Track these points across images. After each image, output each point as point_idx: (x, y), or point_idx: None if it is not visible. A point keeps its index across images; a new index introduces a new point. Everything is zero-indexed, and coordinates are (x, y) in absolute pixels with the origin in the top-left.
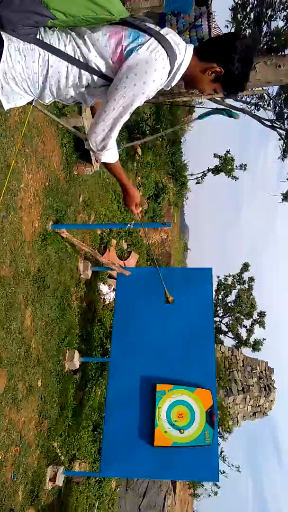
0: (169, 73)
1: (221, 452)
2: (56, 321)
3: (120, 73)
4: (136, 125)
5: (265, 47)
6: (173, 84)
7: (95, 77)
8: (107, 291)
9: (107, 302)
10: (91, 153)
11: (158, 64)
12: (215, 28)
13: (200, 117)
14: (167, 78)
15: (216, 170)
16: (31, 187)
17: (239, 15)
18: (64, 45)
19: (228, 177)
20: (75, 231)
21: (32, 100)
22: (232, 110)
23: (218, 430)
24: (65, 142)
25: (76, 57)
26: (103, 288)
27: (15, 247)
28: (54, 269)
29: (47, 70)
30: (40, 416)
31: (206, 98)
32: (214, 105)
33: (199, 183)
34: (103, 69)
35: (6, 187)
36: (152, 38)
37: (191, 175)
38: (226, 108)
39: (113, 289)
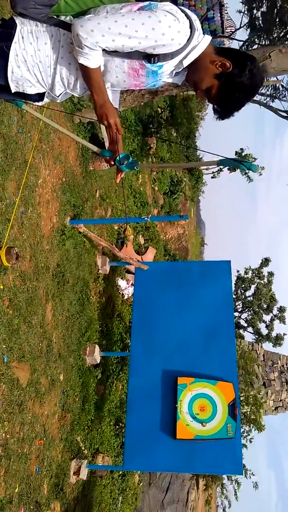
0: (184, 46)
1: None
2: (76, 315)
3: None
4: (151, 119)
5: (281, 34)
6: (185, 62)
7: (107, 55)
8: (125, 286)
9: (126, 297)
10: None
11: (179, 17)
12: (228, 20)
13: (220, 163)
14: (181, 50)
15: (233, 169)
16: (48, 183)
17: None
18: None
19: (244, 175)
20: (92, 226)
21: (43, 96)
22: (252, 163)
23: (250, 427)
24: (81, 137)
25: None
26: (122, 283)
27: (34, 243)
28: (73, 264)
29: (58, 52)
30: (63, 410)
31: None
32: None
33: (214, 177)
34: None
35: (24, 183)
36: (174, 5)
37: (206, 169)
38: (247, 161)
39: (131, 284)
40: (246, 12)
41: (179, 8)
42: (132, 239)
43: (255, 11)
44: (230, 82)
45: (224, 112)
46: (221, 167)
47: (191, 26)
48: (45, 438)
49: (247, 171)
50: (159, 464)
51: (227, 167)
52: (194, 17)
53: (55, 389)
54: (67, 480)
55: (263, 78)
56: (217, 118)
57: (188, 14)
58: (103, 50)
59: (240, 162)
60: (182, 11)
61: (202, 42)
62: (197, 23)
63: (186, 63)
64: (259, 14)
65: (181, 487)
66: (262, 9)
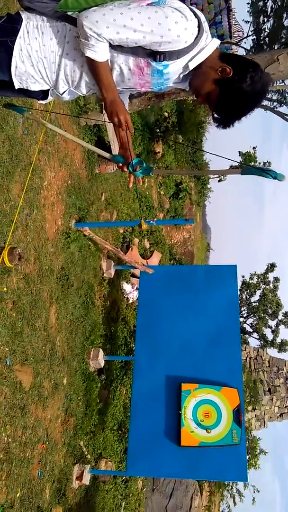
0: (191, 45)
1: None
2: (80, 319)
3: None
4: (158, 123)
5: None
6: (191, 65)
7: (113, 51)
8: (130, 290)
9: (131, 301)
10: (79, 41)
11: (187, 15)
12: (236, 24)
13: (243, 172)
14: (187, 49)
15: (238, 167)
16: (53, 185)
17: (259, 8)
18: None
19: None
20: (97, 230)
21: (47, 93)
22: (277, 172)
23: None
24: (87, 140)
25: None
26: (127, 287)
27: (39, 245)
28: (77, 267)
29: (64, 47)
30: (66, 414)
31: None
32: None
33: (221, 180)
34: None
35: (28, 185)
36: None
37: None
38: (271, 170)
39: (136, 288)
40: (252, 22)
41: (188, 6)
42: (137, 242)
43: (261, 19)
44: (229, 88)
45: (223, 120)
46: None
47: (199, 26)
48: (47, 442)
49: (271, 179)
50: (163, 470)
51: (250, 175)
52: (203, 18)
53: (58, 393)
54: (70, 485)
55: (266, 86)
56: (217, 126)
57: (197, 13)
58: (109, 44)
59: (265, 171)
60: (191, 9)
61: (210, 44)
62: (205, 25)
63: (192, 65)
64: (266, 24)
65: (185, 493)
66: (269, 22)
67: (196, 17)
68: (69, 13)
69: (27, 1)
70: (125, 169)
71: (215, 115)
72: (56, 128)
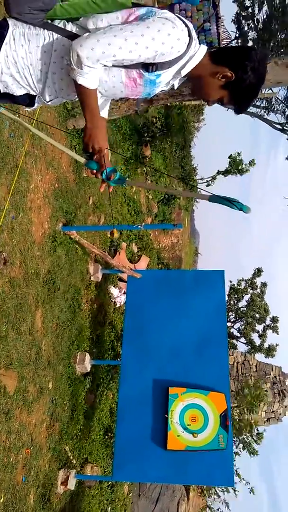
0: (183, 54)
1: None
2: (66, 323)
3: (134, 22)
4: (146, 128)
5: (276, 47)
6: (183, 72)
7: None
8: (117, 294)
9: (118, 305)
10: (70, 69)
11: (178, 24)
12: (224, 32)
13: (211, 200)
14: (179, 58)
15: (225, 172)
16: (40, 188)
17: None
18: (70, 29)
19: (238, 175)
20: (85, 234)
21: (34, 98)
22: (243, 204)
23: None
24: (75, 144)
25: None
26: (114, 291)
27: (25, 248)
28: (64, 271)
29: (51, 55)
30: (51, 418)
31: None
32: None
33: (209, 185)
34: None
35: (15, 188)
36: (175, 16)
37: (201, 179)
38: (238, 201)
39: (124, 292)
40: (237, 33)
41: (177, 16)
42: (125, 246)
43: (247, 28)
44: (238, 88)
45: (242, 108)
46: (215, 175)
47: (190, 34)
48: (32, 447)
49: (237, 210)
50: (149, 475)
51: (217, 203)
52: (191, 25)
53: (44, 398)
54: (55, 490)
55: (265, 63)
56: (235, 112)
57: (186, 22)
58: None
59: (231, 202)
60: (180, 18)
61: (199, 52)
62: (193, 32)
63: (184, 73)
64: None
65: (171, 498)
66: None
67: (186, 26)
68: (56, 23)
69: (15, 12)
70: (99, 176)
71: (234, 108)
72: (33, 128)
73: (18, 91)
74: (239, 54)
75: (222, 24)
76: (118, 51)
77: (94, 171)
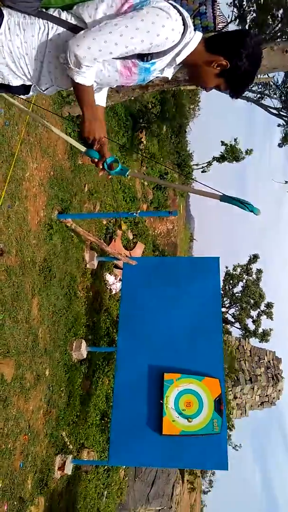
0: (178, 43)
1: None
2: (62, 311)
3: (125, 14)
4: (141, 113)
5: (272, 32)
6: (178, 60)
7: None
8: (113, 281)
9: (114, 292)
10: (67, 68)
11: (172, 14)
12: (220, 15)
13: (222, 199)
14: (174, 46)
15: (221, 158)
16: (36, 177)
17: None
18: (66, 18)
19: (234, 161)
20: (80, 221)
21: (29, 89)
22: (254, 206)
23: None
24: (70, 131)
25: (79, 26)
26: (110, 278)
27: (21, 237)
28: (60, 259)
29: (46, 45)
30: (48, 405)
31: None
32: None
33: (204, 171)
34: None
35: (10, 177)
36: (169, 4)
37: (196, 165)
38: (249, 203)
39: (119, 279)
40: (235, 10)
41: (171, 4)
42: (121, 234)
43: (245, 7)
44: (234, 75)
45: (238, 93)
46: (211, 161)
47: (184, 22)
48: (29, 433)
49: (247, 212)
50: (145, 460)
51: (227, 203)
52: (186, 13)
53: (41, 385)
54: (52, 476)
55: (260, 47)
56: (231, 97)
57: (180, 10)
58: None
59: (243, 203)
60: (175, 7)
61: (194, 39)
62: (188, 20)
63: (179, 60)
64: (249, 12)
65: (167, 481)
66: (252, 8)
67: (180, 15)
68: (51, 11)
69: (9, 0)
70: (100, 166)
71: (230, 94)
72: (36, 116)
73: (14, 81)
74: (234, 41)
75: (218, 7)
76: (114, 47)
77: (96, 160)
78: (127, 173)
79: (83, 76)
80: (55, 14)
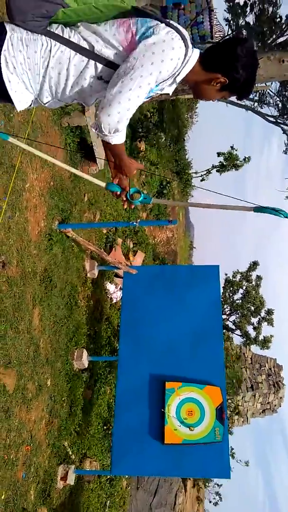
0: (182, 61)
1: (231, 449)
2: (64, 320)
3: (135, 52)
4: (140, 122)
5: (268, 41)
6: (178, 79)
7: (100, 66)
8: (114, 290)
9: (114, 301)
10: (98, 135)
11: (175, 43)
12: (217, 25)
13: (256, 210)
14: (180, 67)
15: (221, 168)
16: (36, 187)
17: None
18: (69, 36)
19: (233, 169)
20: (81, 231)
21: (31, 102)
22: (286, 211)
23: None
24: (69, 141)
25: (82, 45)
26: (110, 287)
27: (22, 247)
28: (60, 268)
29: (48, 61)
30: (50, 415)
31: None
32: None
33: (203, 180)
34: (112, 57)
35: (11, 188)
36: (164, 24)
37: (195, 173)
38: (283, 210)
39: (120, 288)
40: (232, 21)
41: (172, 27)
42: (120, 242)
43: (241, 20)
44: (234, 87)
45: (244, 97)
46: (210, 169)
47: (185, 44)
48: (32, 444)
49: (282, 217)
50: (147, 469)
51: (261, 213)
52: (185, 33)
53: (42, 395)
54: (54, 486)
55: (254, 53)
56: (238, 100)
57: (181, 31)
58: (100, 78)
59: (277, 211)
60: (176, 30)
61: (192, 58)
62: (188, 40)
63: (178, 79)
64: (246, 20)
65: (169, 490)
66: (247, 18)
67: (182, 38)
68: (53, 27)
69: (20, 20)
70: (122, 197)
71: (237, 97)
72: (42, 154)
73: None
74: (226, 55)
75: (215, 17)
76: (137, 99)
77: (118, 193)
78: (151, 201)
79: (120, 137)
80: (58, 30)
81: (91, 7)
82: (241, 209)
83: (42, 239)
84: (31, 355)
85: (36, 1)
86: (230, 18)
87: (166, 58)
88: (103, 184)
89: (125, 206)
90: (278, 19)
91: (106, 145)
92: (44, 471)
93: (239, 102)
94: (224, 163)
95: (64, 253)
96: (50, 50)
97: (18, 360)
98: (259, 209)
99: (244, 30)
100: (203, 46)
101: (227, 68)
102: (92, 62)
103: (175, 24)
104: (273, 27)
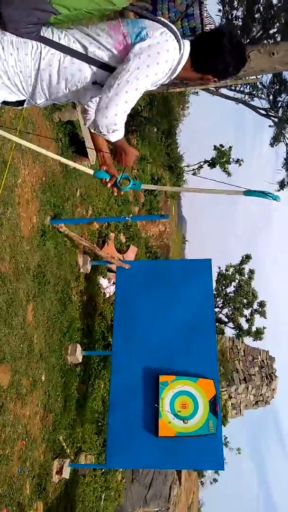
0: (177, 62)
1: (225, 438)
2: (57, 315)
3: (131, 55)
4: (131, 116)
5: (259, 34)
6: (173, 76)
7: (94, 68)
8: (107, 285)
9: (108, 296)
10: (98, 135)
11: (169, 45)
12: (207, 17)
13: (247, 194)
14: (175, 65)
15: (212, 163)
16: (28, 183)
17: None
18: (59, 38)
19: (223, 171)
20: (73, 226)
21: (23, 101)
22: (275, 194)
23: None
24: (61, 136)
25: (73, 48)
26: (103, 282)
27: (14, 243)
28: (53, 264)
29: (39, 64)
30: (45, 410)
31: (200, 89)
32: (208, 95)
33: (195, 174)
34: (106, 58)
35: (3, 184)
36: (157, 23)
37: (187, 166)
38: (271, 193)
39: (113, 283)
40: (224, 12)
41: (165, 26)
42: (113, 237)
43: (234, 12)
44: (226, 75)
45: (238, 73)
46: (201, 163)
47: (179, 43)
48: (27, 438)
49: (272, 200)
50: (142, 462)
51: (251, 196)
52: (178, 32)
53: (37, 390)
54: (50, 480)
55: (239, 40)
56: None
57: (173, 29)
58: (95, 82)
59: (267, 194)
60: (169, 29)
61: (184, 55)
62: (180, 38)
63: (173, 76)
64: (238, 12)
65: (164, 482)
66: (240, 10)
67: (175, 37)
68: (43, 29)
69: (12, 28)
70: (109, 185)
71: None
72: (30, 144)
73: (10, 97)
74: (213, 51)
75: (205, 8)
76: (134, 100)
77: (107, 180)
78: (141, 187)
79: (118, 134)
80: (48, 33)
81: (82, 12)
82: (232, 193)
83: (35, 235)
84: (25, 350)
85: (27, 10)
86: (222, 10)
87: (162, 60)
88: (91, 172)
89: (115, 194)
90: (267, 13)
91: (109, 141)
92: (40, 465)
93: (229, 95)
94: (216, 160)
95: (56, 249)
96: (41, 53)
97: (12, 356)
98: (250, 192)
99: (236, 22)
100: (193, 38)
101: (216, 66)
102: (84, 64)
103: (166, 21)
104: (263, 20)
